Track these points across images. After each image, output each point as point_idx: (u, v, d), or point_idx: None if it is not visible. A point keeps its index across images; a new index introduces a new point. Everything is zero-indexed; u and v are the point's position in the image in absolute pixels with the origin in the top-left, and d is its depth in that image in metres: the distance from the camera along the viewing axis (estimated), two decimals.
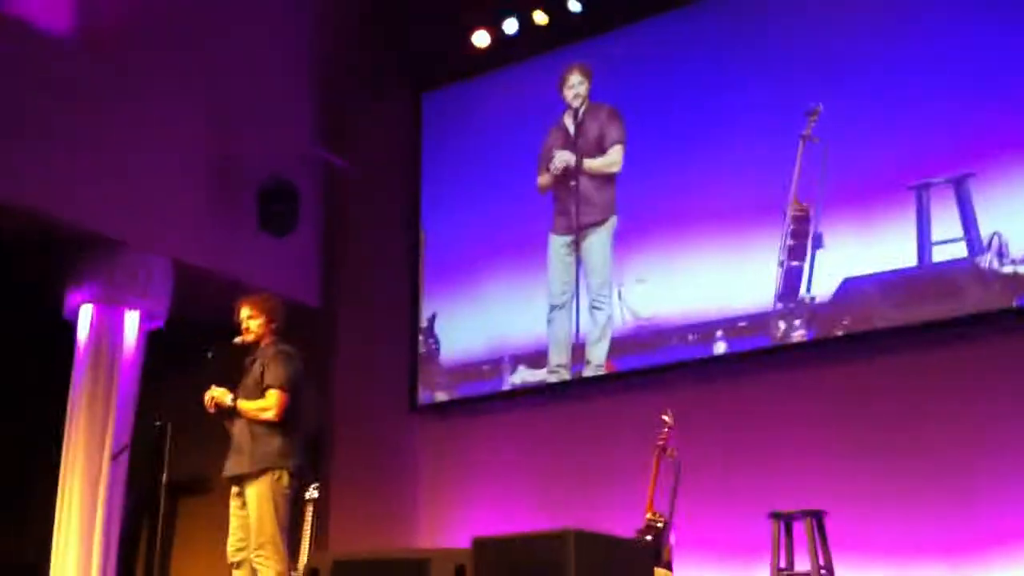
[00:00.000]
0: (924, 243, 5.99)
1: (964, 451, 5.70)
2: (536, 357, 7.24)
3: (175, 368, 7.06)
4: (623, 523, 5.54)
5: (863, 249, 6.15)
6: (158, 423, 5.37)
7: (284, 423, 5.13)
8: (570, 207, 7.34)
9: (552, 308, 7.27)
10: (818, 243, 6.32)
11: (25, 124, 6.40)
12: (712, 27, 6.99)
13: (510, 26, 7.67)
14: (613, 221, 7.12)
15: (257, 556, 4.99)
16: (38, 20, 6.74)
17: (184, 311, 7.32)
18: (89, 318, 6.93)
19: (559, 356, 7.17)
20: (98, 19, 7.14)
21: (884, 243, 6.09)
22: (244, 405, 5.12)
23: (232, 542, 5.15)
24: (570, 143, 7.43)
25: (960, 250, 5.89)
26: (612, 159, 7.19)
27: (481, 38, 7.79)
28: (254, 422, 5.17)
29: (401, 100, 8.24)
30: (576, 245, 7.26)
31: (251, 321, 5.39)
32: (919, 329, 5.96)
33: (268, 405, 5.12)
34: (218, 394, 5.18)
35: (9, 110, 6.33)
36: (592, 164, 7.23)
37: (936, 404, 5.84)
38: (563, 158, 7.32)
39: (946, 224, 5.93)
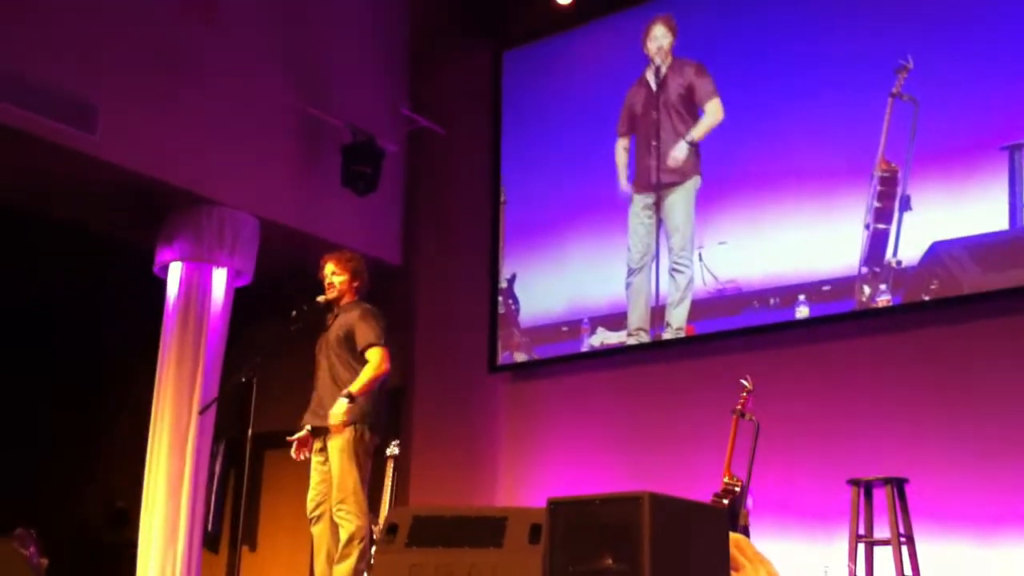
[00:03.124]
0: (1016, 205, 5.81)
1: None
2: (616, 319, 7.22)
3: (261, 324, 7.22)
4: (700, 487, 5.53)
5: (952, 212, 5.99)
6: (244, 379, 5.47)
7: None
8: (651, 166, 7.27)
9: (631, 271, 7.24)
10: (906, 205, 6.17)
11: (117, 83, 6.54)
12: None
13: None
14: (696, 181, 7.04)
15: (338, 510, 5.09)
16: None
17: (270, 268, 7.46)
18: (179, 275, 7.09)
19: (638, 319, 7.14)
20: None
21: (974, 205, 5.92)
22: (356, 385, 5.11)
23: (312, 496, 5.25)
24: (652, 99, 7.35)
25: None
26: (714, 115, 7.02)
27: None
28: (336, 377, 5.25)
29: (483, 58, 8.22)
30: (657, 206, 7.20)
31: (335, 277, 5.47)
32: (1009, 294, 5.80)
33: (376, 363, 5.18)
34: (296, 445, 5.26)
35: (103, 69, 6.48)
36: (697, 133, 7.06)
37: (1022, 371, 5.68)
38: (681, 150, 7.10)
39: None
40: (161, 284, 7.20)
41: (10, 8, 6.10)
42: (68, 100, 6.28)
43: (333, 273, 5.50)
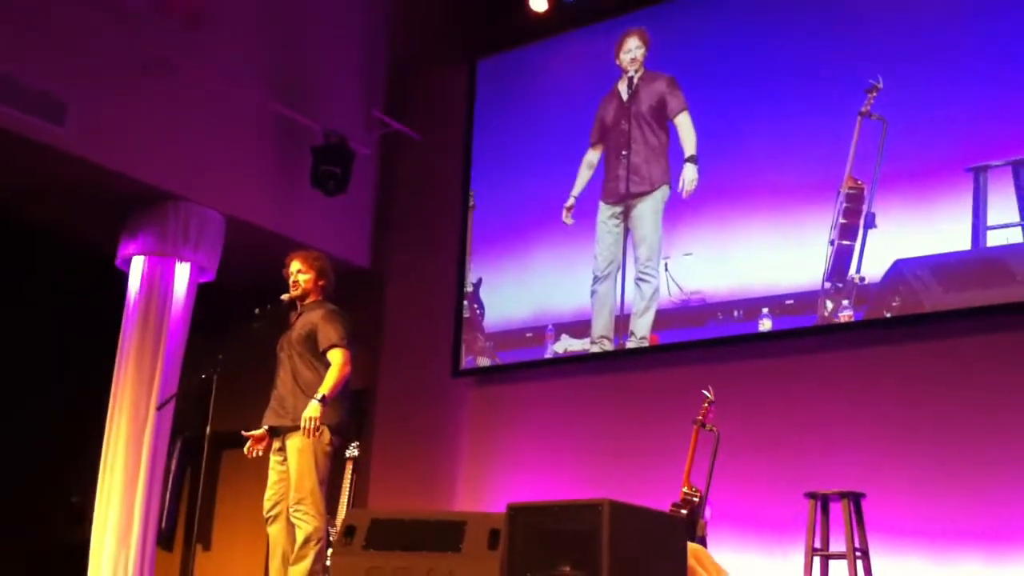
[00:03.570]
0: (979, 227, 5.88)
1: (1008, 437, 5.62)
2: (580, 327, 7.24)
3: (223, 321, 7.17)
4: (660, 496, 5.54)
5: (916, 230, 6.05)
6: (204, 375, 5.42)
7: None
8: (620, 176, 7.30)
9: (596, 279, 7.26)
10: (870, 223, 6.24)
11: (88, 78, 6.49)
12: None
13: None
14: (665, 191, 7.07)
15: (296, 511, 5.05)
16: None
17: (236, 266, 7.42)
18: (141, 269, 7.04)
19: (602, 327, 7.16)
20: None
21: (938, 225, 5.98)
22: (326, 387, 5.05)
23: (269, 496, 5.21)
24: (623, 110, 7.38)
25: (1016, 235, 5.77)
26: (688, 129, 7.03)
27: (539, 3, 7.75)
28: (297, 376, 5.22)
29: (458, 65, 8.23)
30: (625, 215, 7.23)
31: (300, 276, 5.44)
32: (969, 313, 5.87)
33: (338, 364, 5.13)
34: (251, 442, 5.25)
35: (75, 64, 6.43)
36: (691, 149, 6.97)
37: (981, 390, 5.75)
38: (690, 176, 6.98)
39: (1003, 208, 5.81)
40: (123, 278, 7.13)
41: None
42: (38, 93, 6.22)
43: (299, 271, 5.47)
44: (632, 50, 7.44)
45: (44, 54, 6.30)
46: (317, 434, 5.01)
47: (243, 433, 5.29)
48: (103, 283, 7.42)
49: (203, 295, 7.32)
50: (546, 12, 7.76)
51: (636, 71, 7.40)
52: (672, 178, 7.05)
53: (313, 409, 5.00)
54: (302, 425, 4.99)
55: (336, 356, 5.16)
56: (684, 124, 7.07)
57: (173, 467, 8.04)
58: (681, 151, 7.05)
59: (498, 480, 7.32)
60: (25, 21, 6.22)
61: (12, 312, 7.89)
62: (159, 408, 6.62)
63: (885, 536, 5.54)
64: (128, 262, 7.12)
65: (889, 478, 5.76)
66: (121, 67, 6.67)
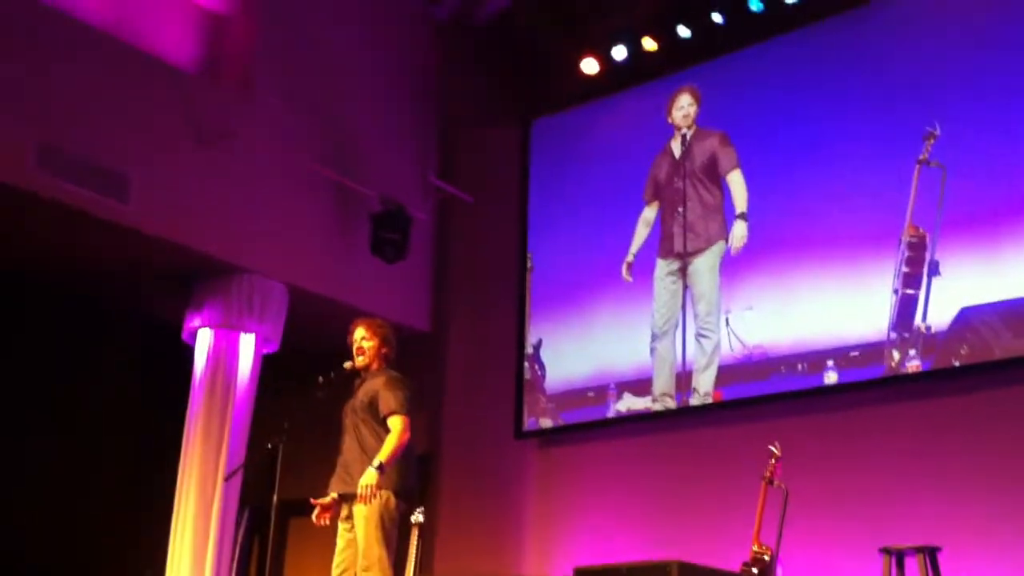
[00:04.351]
0: None
1: None
2: (642, 384, 7.20)
3: (288, 390, 7.24)
4: (729, 555, 5.46)
5: (982, 277, 5.97)
6: (270, 445, 5.46)
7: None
8: (676, 232, 7.30)
9: (654, 336, 7.23)
10: (934, 271, 6.16)
11: (149, 153, 6.67)
12: (823, 49, 6.89)
13: (619, 53, 7.69)
14: (721, 246, 7.06)
15: None
16: (166, 54, 7.04)
17: (298, 335, 7.51)
18: (207, 342, 7.14)
19: (663, 384, 7.11)
20: (222, 51, 7.43)
21: (1004, 271, 5.90)
22: (384, 454, 5.05)
23: (337, 562, 5.22)
24: (676, 167, 7.40)
25: None
26: (741, 186, 7.04)
27: (590, 65, 7.83)
28: (363, 443, 5.25)
29: (511, 128, 8.32)
30: (683, 271, 7.22)
31: (365, 343, 5.48)
32: None
33: (397, 431, 5.15)
34: (319, 510, 5.28)
35: (136, 140, 6.61)
36: (742, 206, 6.99)
37: None
38: (740, 233, 6.97)
39: None
40: (189, 351, 7.25)
41: (45, 82, 6.25)
42: (103, 171, 6.40)
43: (363, 339, 5.51)
44: (684, 107, 7.47)
45: (107, 132, 6.48)
46: (373, 500, 5.02)
47: (312, 501, 5.31)
48: (170, 356, 7.53)
49: (267, 363, 7.39)
50: (597, 74, 7.84)
51: (688, 128, 7.43)
52: (728, 233, 7.03)
53: (370, 477, 5.01)
54: (358, 492, 5.00)
55: (396, 423, 5.18)
56: (736, 181, 7.07)
57: (241, 537, 8.08)
58: (731, 203, 7.04)
59: (564, 542, 7.25)
60: (88, 101, 6.41)
61: (81, 386, 8.04)
62: (227, 479, 6.67)
63: None
64: (194, 335, 7.23)
65: (963, 531, 5.62)
66: (180, 142, 6.83)
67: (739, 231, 6.98)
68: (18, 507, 7.48)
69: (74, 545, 7.82)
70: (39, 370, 7.89)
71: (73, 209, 6.34)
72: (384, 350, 5.49)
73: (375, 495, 5.01)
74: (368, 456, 5.18)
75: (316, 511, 5.29)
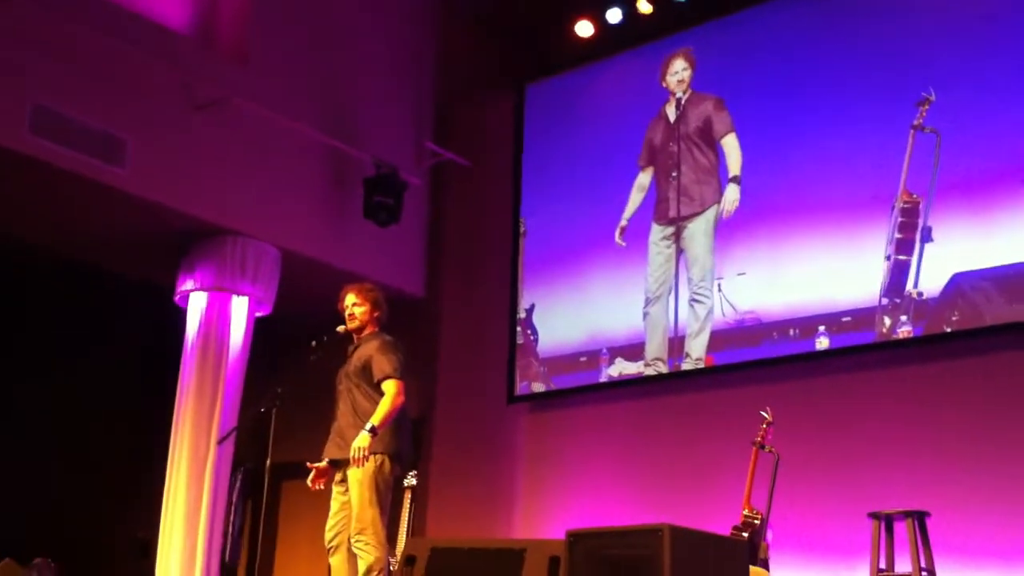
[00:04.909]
0: None
1: None
2: (634, 349, 7.22)
3: (281, 354, 7.25)
4: (719, 519, 5.50)
5: (974, 243, 5.97)
6: (263, 408, 5.48)
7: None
8: (671, 197, 7.29)
9: (647, 301, 7.24)
10: (927, 236, 6.16)
11: (143, 119, 6.63)
12: (818, 14, 6.86)
13: (614, 16, 7.65)
14: (715, 210, 7.05)
15: (357, 541, 5.08)
16: (162, 18, 6.99)
17: (291, 299, 7.50)
18: (199, 304, 7.14)
19: (656, 349, 7.13)
20: (217, 15, 7.37)
21: (996, 237, 5.90)
22: (377, 418, 5.08)
23: (330, 526, 5.25)
24: (671, 132, 7.38)
25: None
26: (736, 150, 7.03)
27: (584, 28, 7.79)
28: (356, 408, 5.26)
29: (507, 92, 8.29)
30: (676, 236, 7.21)
31: (356, 308, 5.49)
32: None
33: (391, 395, 5.17)
34: (314, 474, 5.29)
35: (129, 102, 6.57)
36: (736, 169, 6.99)
37: None
38: (732, 196, 6.98)
39: None
40: (181, 314, 7.25)
41: (39, 46, 6.20)
42: (99, 134, 6.37)
43: (354, 304, 5.51)
44: (678, 71, 7.44)
45: (102, 96, 6.44)
46: (366, 463, 5.04)
47: (308, 465, 5.34)
48: (162, 319, 7.53)
49: (260, 328, 7.40)
50: (592, 36, 7.80)
51: (683, 92, 7.40)
52: (722, 197, 7.03)
53: (362, 439, 5.03)
54: (351, 455, 5.03)
55: (389, 387, 5.20)
56: (731, 145, 7.05)
57: (235, 500, 8.12)
58: (726, 167, 7.04)
59: (556, 505, 7.30)
60: (83, 65, 6.37)
61: (72, 350, 8.04)
62: (220, 442, 6.70)
63: (951, 555, 5.44)
64: (186, 298, 7.23)
65: (953, 496, 5.66)
66: (175, 106, 6.80)
67: (732, 195, 6.98)
68: (7, 472, 7.51)
69: (67, 509, 7.85)
70: (31, 333, 7.90)
71: (67, 173, 6.32)
72: (376, 313, 5.50)
73: (367, 458, 5.03)
74: (362, 421, 5.20)
75: (311, 475, 5.32)
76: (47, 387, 7.86)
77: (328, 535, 5.25)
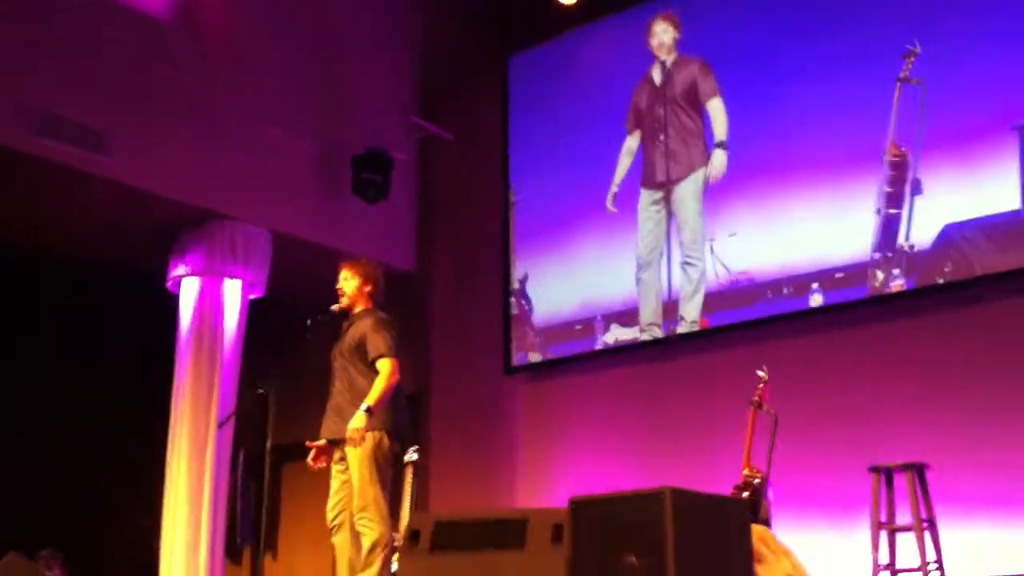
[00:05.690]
0: None
1: None
2: (629, 315, 7.22)
3: (277, 336, 7.24)
4: (720, 480, 5.52)
5: (963, 194, 5.97)
6: (261, 391, 5.47)
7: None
8: (658, 161, 7.27)
9: (639, 266, 7.24)
10: (916, 189, 6.16)
11: (126, 106, 6.58)
12: None
13: None
14: (704, 173, 7.03)
15: (360, 518, 5.08)
16: (143, 4, 6.93)
17: (284, 280, 7.49)
18: (192, 289, 7.12)
19: (651, 314, 7.14)
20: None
21: (985, 186, 5.90)
22: (372, 398, 5.06)
23: (332, 505, 5.24)
24: (657, 95, 7.35)
25: None
26: (721, 114, 7.00)
27: None
28: (352, 386, 5.25)
29: (490, 63, 8.24)
30: (666, 200, 7.20)
31: (345, 283, 5.47)
32: (1023, 274, 5.77)
33: (386, 374, 5.15)
34: (314, 453, 5.28)
35: (114, 89, 6.52)
36: (722, 134, 6.97)
37: None
38: (719, 161, 6.94)
39: None
40: (174, 300, 7.23)
41: (21, 37, 6.15)
42: (78, 124, 6.33)
43: (344, 279, 5.49)
44: (659, 34, 7.40)
45: (86, 85, 6.39)
46: (363, 443, 5.04)
47: (307, 444, 5.33)
48: (155, 306, 7.52)
49: (255, 310, 7.39)
50: (574, 3, 7.74)
51: (667, 56, 7.36)
52: (710, 159, 7.01)
53: (358, 420, 5.03)
54: (348, 436, 5.02)
55: (384, 366, 5.18)
56: (716, 109, 7.03)
57: (239, 482, 8.13)
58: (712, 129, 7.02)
59: (557, 474, 7.32)
60: (63, 56, 6.32)
61: (67, 342, 8.04)
62: (219, 427, 6.70)
63: (951, 506, 5.46)
64: (178, 284, 7.21)
65: (952, 447, 5.69)
66: (160, 92, 6.75)
67: (718, 160, 6.96)
68: (9, 463, 7.52)
69: (70, 497, 7.87)
70: (24, 326, 7.88)
71: (53, 164, 6.28)
72: (367, 288, 5.46)
73: (364, 438, 5.03)
74: (359, 399, 5.20)
75: (312, 454, 5.32)
76: (46, 381, 7.86)
77: (330, 515, 5.25)
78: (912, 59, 6.23)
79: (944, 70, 6.13)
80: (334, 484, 5.29)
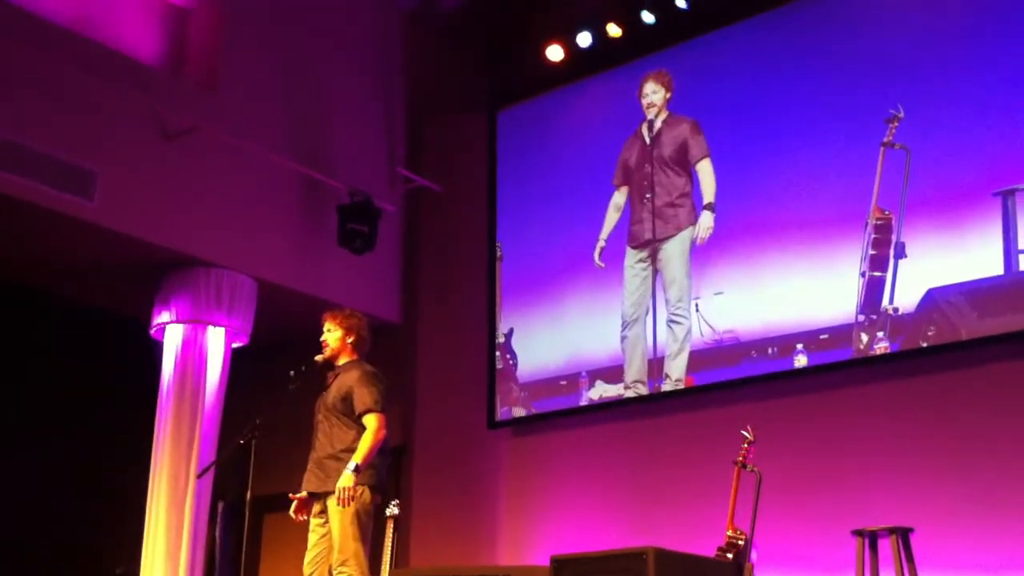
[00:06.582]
0: (1010, 250, 5.85)
1: None
2: (614, 372, 7.22)
3: (259, 385, 7.20)
4: (704, 541, 5.49)
5: (947, 258, 6.02)
6: (242, 440, 5.43)
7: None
8: (645, 219, 7.31)
9: (625, 324, 7.25)
10: (900, 253, 6.21)
11: (114, 148, 6.60)
12: (789, 33, 6.92)
13: (584, 39, 7.69)
14: (691, 231, 7.08)
15: (340, 572, 5.03)
16: (128, 48, 6.97)
17: (268, 329, 7.47)
18: (175, 336, 7.09)
19: (636, 371, 7.14)
20: (186, 44, 7.36)
21: (968, 251, 5.96)
22: (359, 456, 5.02)
23: (309, 559, 5.19)
24: (646, 153, 7.41)
25: None
26: (710, 176, 7.05)
27: (555, 52, 7.82)
28: (335, 439, 5.22)
29: (479, 116, 8.30)
30: (652, 258, 7.23)
31: (329, 335, 5.45)
32: (1006, 339, 5.81)
33: (372, 430, 5.12)
34: (297, 504, 5.25)
35: (98, 133, 6.54)
36: (710, 196, 7.02)
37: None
38: (706, 224, 7.01)
39: None
40: (157, 347, 7.19)
41: (6, 78, 6.16)
42: (65, 167, 6.32)
43: (328, 330, 5.47)
44: (650, 95, 7.48)
45: (69, 128, 6.40)
46: (352, 503, 5.00)
47: (290, 496, 5.29)
48: (138, 353, 7.47)
49: (237, 358, 7.35)
50: (562, 61, 7.83)
51: (658, 115, 7.44)
52: (697, 219, 7.06)
53: (346, 479, 4.98)
54: (336, 496, 4.98)
55: (371, 421, 5.14)
56: (705, 170, 7.09)
57: (218, 533, 8.04)
58: (700, 188, 7.07)
59: (539, 531, 7.27)
60: (49, 96, 6.33)
61: (48, 387, 7.97)
62: (199, 476, 6.64)
63: (935, 571, 5.45)
64: (162, 331, 7.18)
65: (936, 511, 5.68)
66: (145, 137, 6.77)
67: (705, 222, 7.01)
68: None
69: (46, 543, 7.76)
70: (3, 369, 7.82)
71: (37, 207, 6.27)
72: (350, 338, 5.43)
73: (353, 497, 4.99)
74: (340, 452, 5.16)
75: (293, 505, 5.27)
76: (20, 422, 7.78)
77: (307, 569, 5.19)
78: (896, 124, 6.32)
79: (927, 135, 6.22)
80: (312, 537, 5.24)
